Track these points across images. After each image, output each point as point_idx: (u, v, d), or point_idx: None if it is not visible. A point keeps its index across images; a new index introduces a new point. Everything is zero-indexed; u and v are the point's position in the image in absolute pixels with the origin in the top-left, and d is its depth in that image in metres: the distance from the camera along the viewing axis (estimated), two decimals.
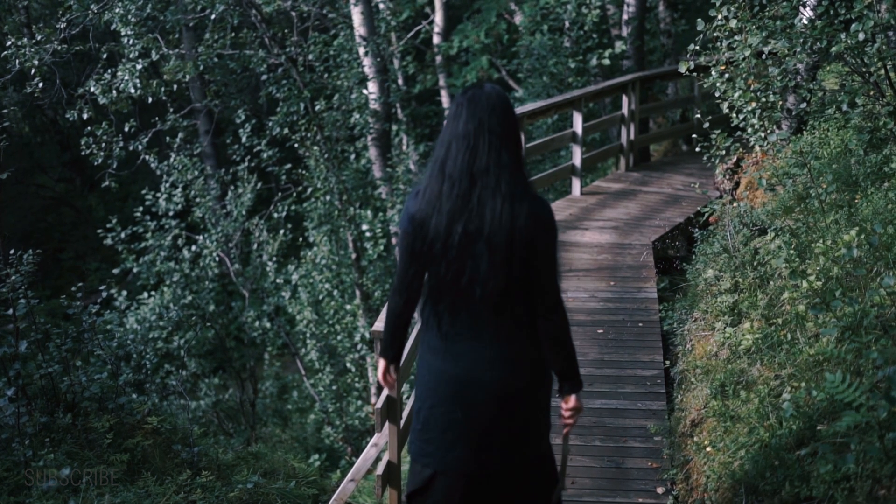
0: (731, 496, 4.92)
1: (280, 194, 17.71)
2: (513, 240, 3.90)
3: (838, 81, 8.77)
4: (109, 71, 13.89)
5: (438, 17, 18.94)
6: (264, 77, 15.32)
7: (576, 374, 4.17)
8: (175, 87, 15.18)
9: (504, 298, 4.00)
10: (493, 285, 3.95)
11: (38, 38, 13.09)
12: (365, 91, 15.86)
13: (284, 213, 17.05)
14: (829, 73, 9.91)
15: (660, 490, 5.99)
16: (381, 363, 4.44)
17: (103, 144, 14.26)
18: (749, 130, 8.07)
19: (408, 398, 6.87)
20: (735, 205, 8.57)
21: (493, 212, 3.91)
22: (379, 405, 5.83)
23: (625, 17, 16.95)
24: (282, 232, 16.94)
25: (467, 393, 4.11)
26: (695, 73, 8.69)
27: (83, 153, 14.53)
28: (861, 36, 6.62)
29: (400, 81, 19.10)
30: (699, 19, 7.84)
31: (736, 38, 7.79)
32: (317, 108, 15.13)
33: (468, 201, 3.94)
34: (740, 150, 8.62)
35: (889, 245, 5.66)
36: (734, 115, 8.17)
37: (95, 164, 14.54)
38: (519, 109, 11.65)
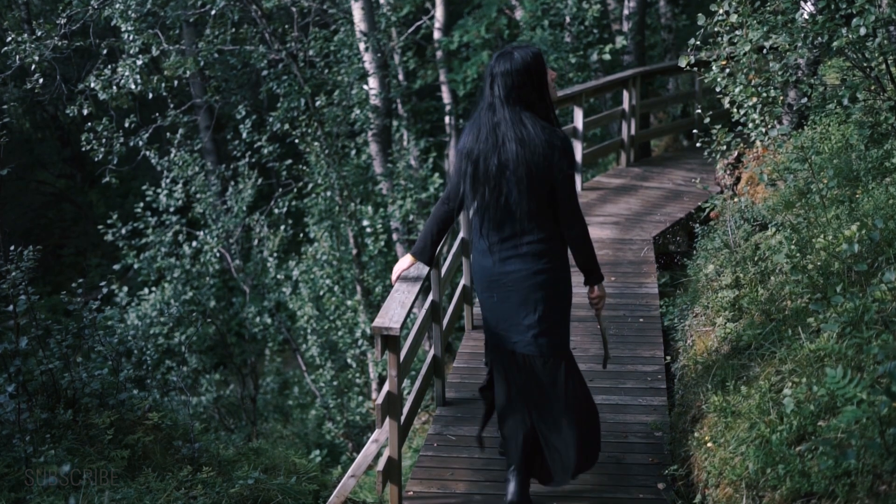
0: (732, 492, 4.91)
1: (280, 190, 17.71)
2: (530, 172, 5.11)
3: (839, 76, 8.77)
4: (110, 67, 13.88)
5: (439, 13, 18.91)
6: (265, 73, 15.33)
7: (596, 269, 5.51)
8: (175, 82, 15.19)
9: (532, 213, 5.22)
10: (520, 205, 5.18)
11: (39, 33, 13.08)
12: (365, 87, 15.85)
13: (285, 209, 17.05)
14: (830, 68, 9.90)
15: (660, 486, 5.98)
16: (408, 259, 5.77)
17: (104, 140, 14.26)
18: (750, 125, 8.05)
19: (408, 393, 6.88)
20: (736, 200, 8.57)
21: (511, 152, 5.12)
22: (380, 401, 5.83)
23: (625, 12, 16.93)
24: (282, 228, 16.95)
25: (500, 280, 5.37)
26: (695, 69, 8.67)
27: (84, 149, 14.53)
28: (862, 31, 6.60)
29: (400, 77, 19.09)
30: (700, 14, 7.82)
31: (737, 33, 7.77)
32: (317, 103, 15.12)
33: (495, 143, 5.17)
34: (741, 145, 8.61)
35: (890, 240, 5.65)
36: (735, 110, 8.15)
37: (96, 160, 14.54)
38: None
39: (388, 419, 5.92)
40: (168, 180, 16.25)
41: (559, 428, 5.55)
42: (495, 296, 5.40)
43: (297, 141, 15.66)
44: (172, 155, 16.22)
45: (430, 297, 7.08)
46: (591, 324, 8.35)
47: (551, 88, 5.74)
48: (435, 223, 5.61)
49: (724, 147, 8.35)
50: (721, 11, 7.75)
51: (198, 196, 16.39)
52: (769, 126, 7.89)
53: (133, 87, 13.66)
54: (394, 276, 5.85)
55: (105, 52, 14.62)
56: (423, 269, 6.00)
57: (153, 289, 15.97)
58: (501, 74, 5.15)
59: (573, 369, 5.55)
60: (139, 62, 13.66)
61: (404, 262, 5.79)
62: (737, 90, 7.96)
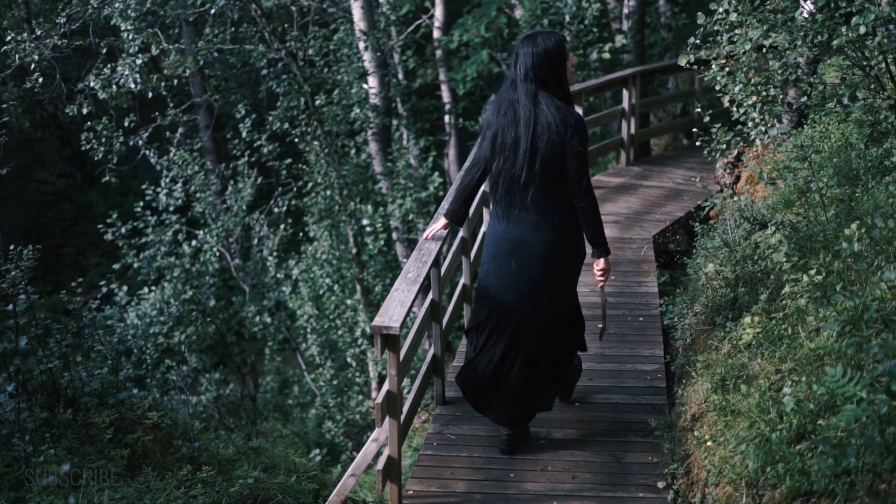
0: (732, 490, 4.91)
1: (280, 189, 17.71)
2: (542, 147, 5.67)
3: (839, 75, 8.76)
4: (109, 66, 13.87)
5: (438, 12, 18.90)
6: (264, 72, 15.32)
7: (603, 242, 6.02)
8: (175, 82, 15.20)
9: (543, 184, 5.75)
10: (528, 176, 5.73)
11: (38, 33, 13.07)
12: (365, 86, 15.84)
13: (285, 208, 17.05)
14: (829, 67, 9.90)
15: (660, 485, 5.99)
16: (441, 221, 6.42)
17: (103, 139, 14.26)
18: (749, 124, 8.04)
19: (408, 392, 6.88)
20: (736, 199, 8.56)
21: (523, 128, 5.70)
22: (379, 400, 5.83)
23: (625, 11, 16.92)
24: (282, 227, 16.95)
25: (519, 249, 5.90)
26: (695, 67, 8.67)
27: (83, 148, 14.53)
28: (862, 29, 6.60)
29: (400, 76, 19.08)
30: (699, 13, 7.81)
31: (736, 31, 7.76)
32: (317, 102, 15.12)
33: (513, 118, 5.75)
34: (741, 144, 8.60)
35: (890, 239, 5.65)
36: (735, 109, 8.15)
37: (96, 159, 14.53)
38: None
39: (387, 418, 5.92)
40: (168, 179, 16.24)
41: (523, 384, 6.19)
42: (513, 262, 5.92)
43: (296, 140, 15.66)
44: (172, 154, 16.22)
45: (430, 296, 7.08)
46: (590, 323, 8.35)
47: (570, 73, 6.04)
48: (462, 189, 6.23)
49: (724, 146, 8.35)
50: (721, 10, 7.75)
51: (197, 195, 16.38)
52: (769, 125, 7.89)
53: (133, 86, 13.66)
54: (426, 235, 6.51)
55: (105, 51, 14.61)
56: (428, 261, 6.28)
57: (153, 288, 15.97)
58: (523, 56, 5.75)
59: (575, 328, 6.35)
60: (139, 61, 13.65)
61: (439, 222, 6.47)
62: (736, 89, 7.95)
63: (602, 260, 6.07)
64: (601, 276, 6.15)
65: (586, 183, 5.79)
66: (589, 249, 6.09)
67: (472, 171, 6.11)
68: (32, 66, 13.05)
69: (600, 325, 6.63)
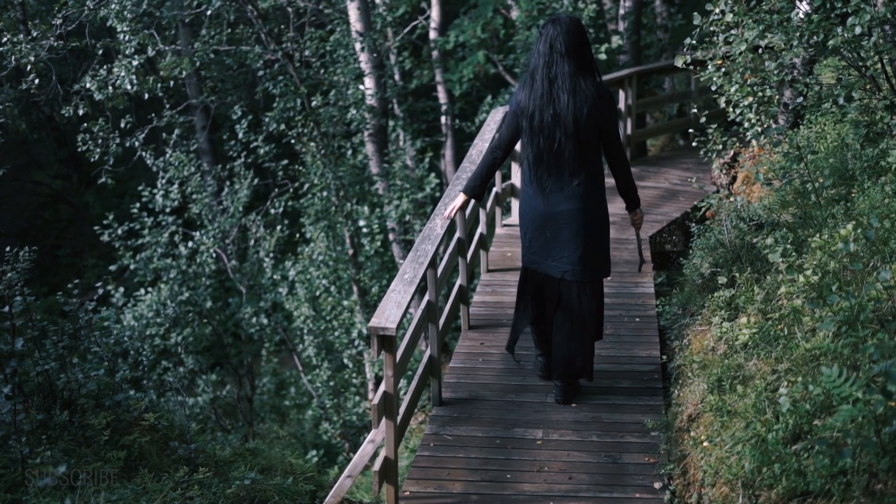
0: (728, 491, 4.92)
1: (277, 190, 17.71)
2: (577, 121, 6.17)
3: (835, 76, 8.76)
4: (105, 67, 13.86)
5: (435, 13, 18.90)
6: (261, 73, 15.31)
7: (636, 197, 6.79)
8: (171, 83, 15.19)
9: (578, 158, 6.32)
10: (568, 151, 6.26)
11: (34, 34, 13.06)
12: (361, 87, 15.84)
13: (281, 210, 17.04)
14: (825, 68, 9.90)
15: (657, 485, 5.99)
16: (461, 198, 6.93)
17: (100, 141, 14.26)
18: (746, 125, 8.05)
19: (405, 394, 6.88)
20: (732, 199, 8.57)
21: (564, 104, 6.17)
22: (376, 401, 5.83)
23: (621, 11, 16.95)
24: (279, 228, 16.94)
25: (553, 219, 6.49)
26: (691, 68, 8.67)
27: (80, 150, 14.53)
28: (857, 30, 6.61)
29: (396, 77, 19.08)
30: (695, 14, 7.81)
31: (732, 32, 7.76)
32: (313, 103, 15.11)
33: (551, 96, 6.20)
34: (737, 144, 8.61)
35: (886, 239, 5.66)
36: (731, 109, 8.15)
37: (92, 160, 14.54)
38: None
39: (384, 419, 5.93)
40: (164, 181, 16.23)
41: (570, 339, 6.80)
42: (548, 232, 6.54)
43: (293, 141, 15.65)
44: (168, 155, 16.21)
45: (427, 297, 7.09)
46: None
47: None
48: (484, 168, 6.77)
49: (721, 146, 8.36)
50: (717, 11, 7.75)
51: (194, 196, 16.38)
52: (765, 125, 7.90)
53: (129, 87, 13.65)
54: (447, 212, 7.01)
55: (101, 52, 14.60)
56: (425, 262, 6.38)
57: (149, 289, 15.96)
58: (559, 34, 6.19)
59: (599, 294, 6.83)
60: (135, 62, 13.64)
61: (458, 199, 6.97)
62: (733, 89, 7.96)
63: (637, 210, 6.90)
64: (637, 222, 7.02)
65: (622, 148, 6.54)
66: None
67: (497, 151, 6.66)
68: (28, 67, 13.03)
69: (640, 260, 7.67)
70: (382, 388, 5.86)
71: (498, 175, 10.40)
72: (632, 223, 7.05)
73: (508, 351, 7.37)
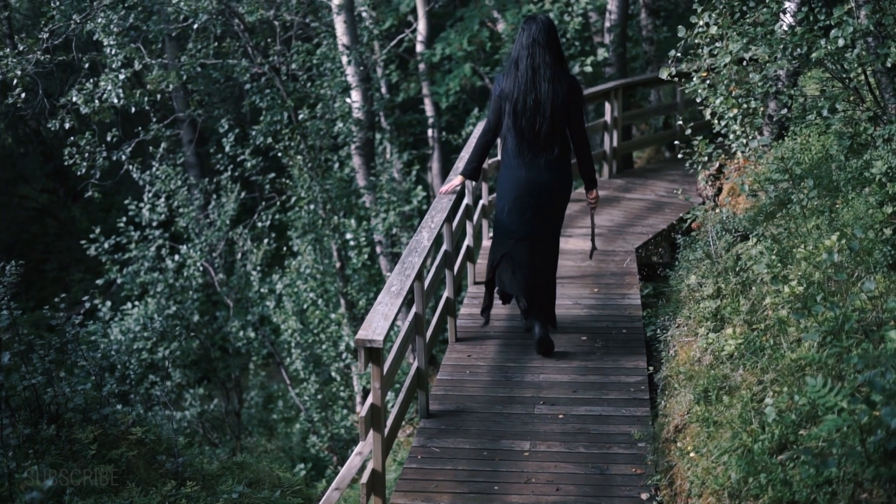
0: (715, 501, 4.93)
1: (264, 203, 17.69)
2: (555, 106, 7.26)
3: (819, 87, 8.81)
4: (92, 81, 13.85)
5: (421, 26, 18.94)
6: (247, 86, 15.32)
7: (595, 178, 7.85)
8: (158, 96, 15.15)
9: (552, 136, 7.38)
10: (545, 130, 7.32)
11: (21, 48, 13.04)
12: (348, 100, 15.86)
13: (268, 223, 17.02)
14: (809, 79, 9.97)
15: (644, 496, 6.00)
16: (458, 178, 7.90)
17: (86, 155, 14.23)
18: (731, 136, 8.09)
19: (392, 406, 6.88)
20: (717, 211, 8.61)
21: (544, 91, 7.23)
22: (363, 414, 5.84)
23: (607, 24, 17.01)
24: (266, 241, 16.91)
25: (533, 188, 7.50)
26: (677, 80, 8.72)
27: (66, 163, 14.49)
28: (841, 42, 6.65)
29: (383, 90, 19.11)
30: (680, 26, 7.85)
31: (717, 44, 7.81)
32: (300, 117, 15.12)
33: (534, 84, 7.24)
34: (722, 156, 8.65)
35: (869, 250, 5.70)
36: (716, 121, 8.20)
37: (78, 174, 14.50)
38: None
39: (371, 432, 5.93)
40: (151, 194, 16.19)
41: (536, 282, 7.79)
42: (525, 198, 7.53)
43: (280, 154, 15.65)
44: (155, 169, 16.18)
45: (414, 310, 7.10)
46: (573, 335, 8.39)
47: None
48: (477, 151, 7.80)
49: (706, 158, 8.40)
50: (701, 23, 7.80)
51: (180, 210, 16.35)
52: (750, 137, 7.94)
53: (115, 101, 13.64)
54: (442, 190, 7.92)
55: (87, 66, 14.58)
56: (412, 274, 6.37)
57: (136, 303, 15.91)
58: (541, 30, 7.24)
59: (556, 254, 7.91)
60: (122, 76, 13.64)
61: (455, 180, 7.93)
62: (718, 101, 8.01)
63: (594, 191, 7.93)
64: (594, 203, 8.04)
65: (586, 132, 7.63)
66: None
67: (488, 134, 7.65)
68: (15, 81, 13.00)
69: (590, 247, 8.78)
70: (370, 400, 5.86)
71: (485, 187, 10.43)
72: (587, 203, 8.07)
73: (483, 315, 8.27)
